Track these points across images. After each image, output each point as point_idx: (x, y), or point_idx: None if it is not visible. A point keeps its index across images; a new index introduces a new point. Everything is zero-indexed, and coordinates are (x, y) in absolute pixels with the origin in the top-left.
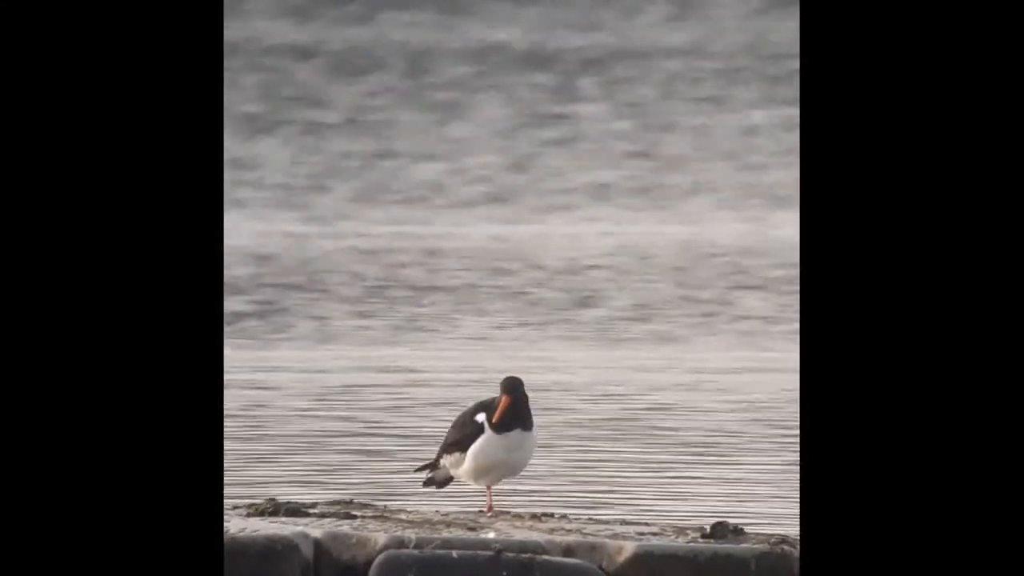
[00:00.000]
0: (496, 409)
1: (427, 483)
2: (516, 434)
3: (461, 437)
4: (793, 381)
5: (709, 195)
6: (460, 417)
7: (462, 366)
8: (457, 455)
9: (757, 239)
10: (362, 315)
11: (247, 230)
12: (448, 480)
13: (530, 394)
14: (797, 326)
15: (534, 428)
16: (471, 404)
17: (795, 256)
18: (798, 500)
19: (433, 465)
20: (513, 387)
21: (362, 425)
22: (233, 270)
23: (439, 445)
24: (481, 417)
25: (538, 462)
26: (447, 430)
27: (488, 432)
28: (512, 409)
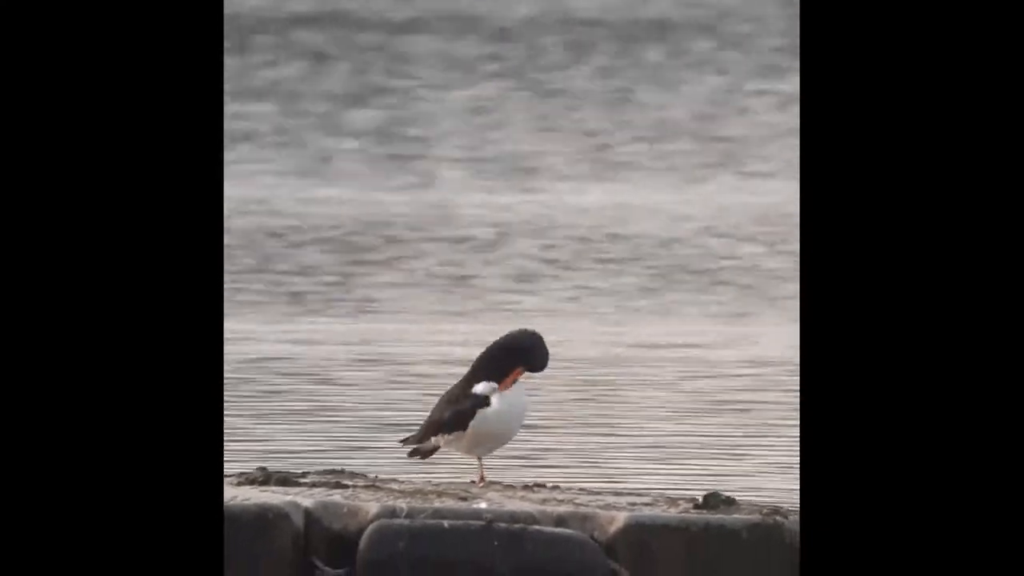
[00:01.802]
0: (504, 381)
1: (412, 454)
2: (519, 389)
3: (458, 413)
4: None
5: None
6: (451, 392)
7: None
8: (457, 433)
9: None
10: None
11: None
12: (434, 450)
13: None
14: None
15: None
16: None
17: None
18: (791, 470)
19: (420, 440)
20: (532, 357)
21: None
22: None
23: (427, 422)
24: (482, 389)
25: (530, 434)
26: (434, 407)
27: (500, 398)
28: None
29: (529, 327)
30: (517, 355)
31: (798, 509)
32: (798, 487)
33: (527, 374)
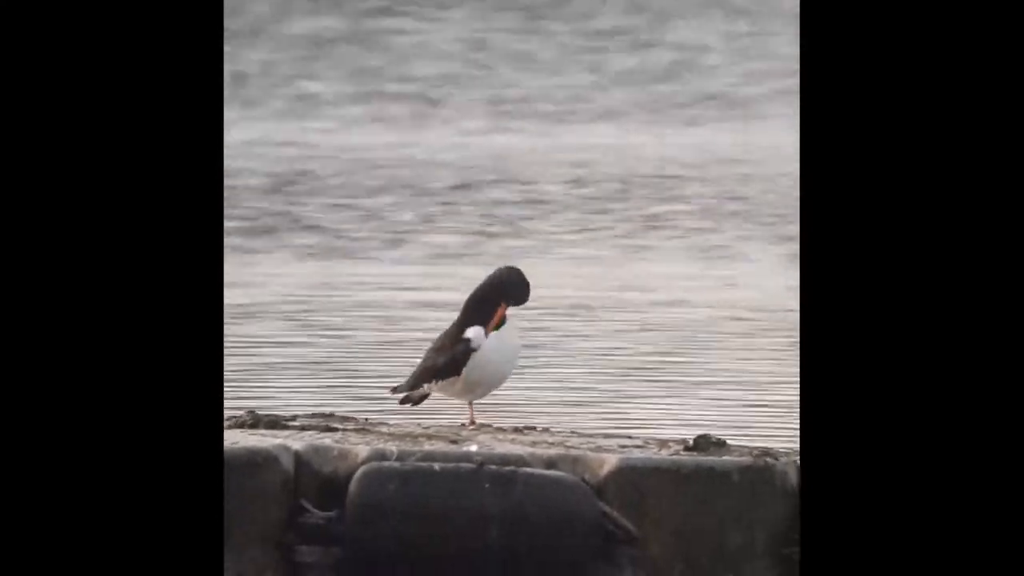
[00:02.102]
0: (491, 322)
1: (403, 401)
2: (510, 330)
3: (450, 359)
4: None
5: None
6: (440, 339)
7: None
8: (451, 378)
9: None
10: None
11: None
12: (424, 397)
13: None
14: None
15: None
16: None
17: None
18: (784, 412)
19: (412, 388)
20: (513, 291)
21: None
22: None
23: (418, 369)
24: (472, 333)
25: (522, 378)
26: (424, 355)
27: (491, 340)
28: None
29: (508, 264)
30: (498, 292)
31: (790, 451)
32: (797, 428)
33: (513, 311)
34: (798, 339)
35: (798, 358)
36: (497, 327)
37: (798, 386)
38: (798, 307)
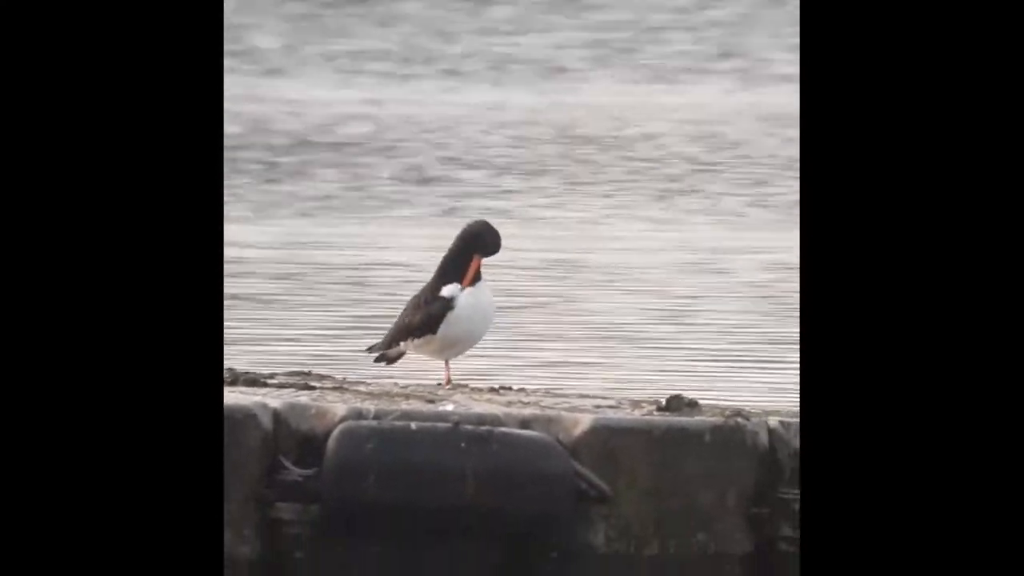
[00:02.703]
0: (465, 275)
1: (379, 360)
2: (484, 287)
3: (427, 317)
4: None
5: None
6: (416, 297)
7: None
8: (427, 337)
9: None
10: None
11: None
12: (400, 355)
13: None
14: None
15: None
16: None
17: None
18: (762, 371)
19: (388, 346)
20: (484, 242)
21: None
22: None
23: (394, 328)
24: (448, 291)
25: (496, 336)
26: (401, 312)
27: (466, 296)
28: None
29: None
30: (470, 246)
31: (761, 411)
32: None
33: (487, 265)
34: (799, 300)
35: (798, 319)
36: (473, 281)
37: (797, 347)
38: (798, 265)
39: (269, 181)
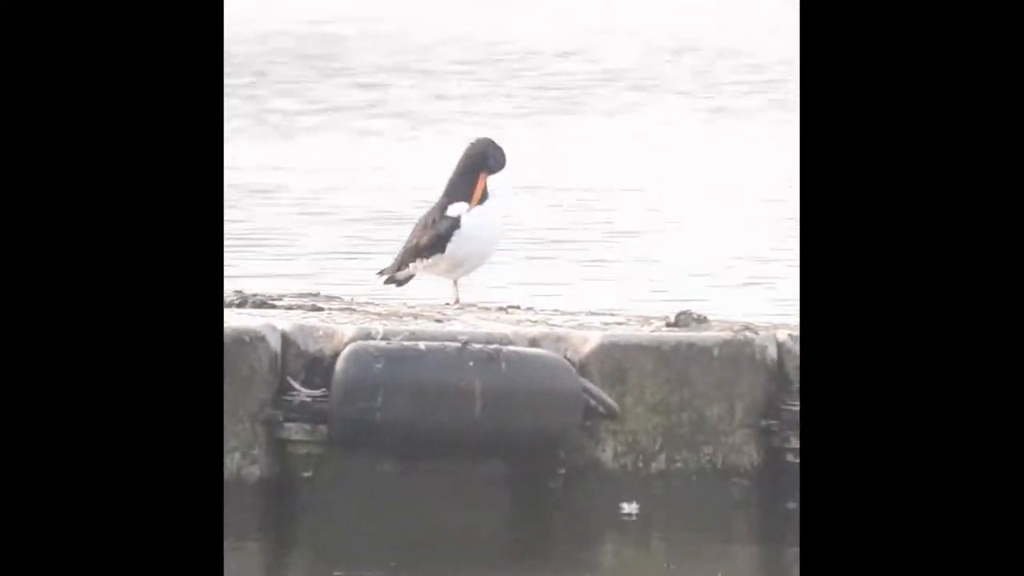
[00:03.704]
0: (472, 193)
1: (388, 282)
2: (493, 204)
3: (435, 237)
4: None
5: None
6: (424, 217)
7: None
8: (435, 256)
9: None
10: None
11: None
12: (410, 278)
13: None
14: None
15: None
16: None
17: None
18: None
19: (397, 268)
20: (489, 160)
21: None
22: None
23: (403, 250)
24: (455, 210)
25: (504, 255)
26: (410, 233)
27: (473, 214)
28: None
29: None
30: (476, 164)
31: (771, 325)
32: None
33: (494, 182)
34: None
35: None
36: (480, 200)
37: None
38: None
39: None
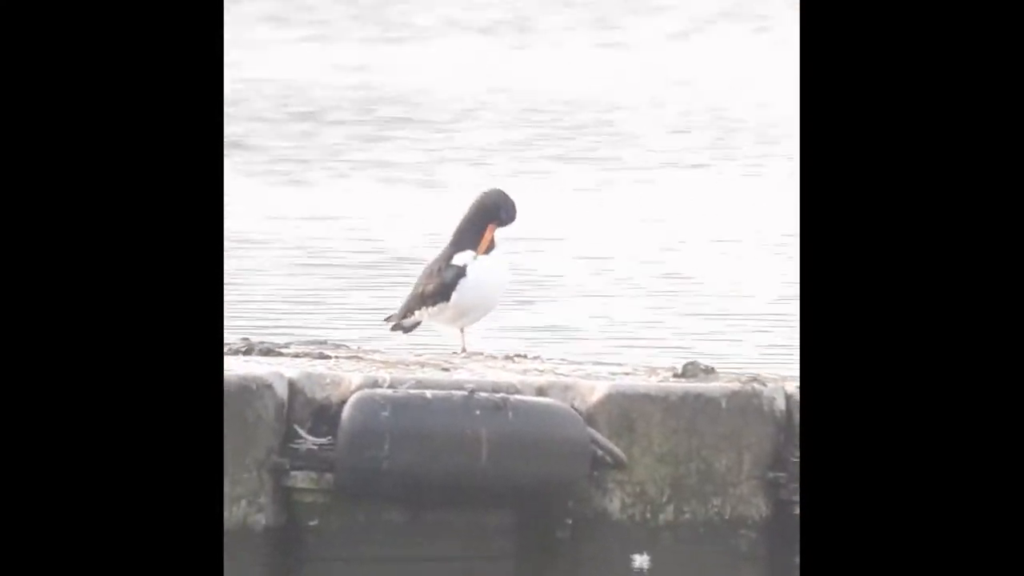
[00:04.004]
0: (480, 242)
1: (395, 329)
2: (499, 256)
3: (441, 285)
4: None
5: None
6: (431, 265)
7: None
8: (440, 305)
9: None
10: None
11: None
12: (416, 324)
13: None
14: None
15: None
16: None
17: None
18: (775, 338)
19: (403, 316)
20: (499, 211)
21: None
22: None
23: (409, 297)
24: (461, 259)
25: (509, 304)
26: (416, 281)
27: (479, 264)
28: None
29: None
30: (486, 214)
31: (779, 377)
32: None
33: (503, 235)
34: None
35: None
36: (488, 250)
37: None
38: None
39: None
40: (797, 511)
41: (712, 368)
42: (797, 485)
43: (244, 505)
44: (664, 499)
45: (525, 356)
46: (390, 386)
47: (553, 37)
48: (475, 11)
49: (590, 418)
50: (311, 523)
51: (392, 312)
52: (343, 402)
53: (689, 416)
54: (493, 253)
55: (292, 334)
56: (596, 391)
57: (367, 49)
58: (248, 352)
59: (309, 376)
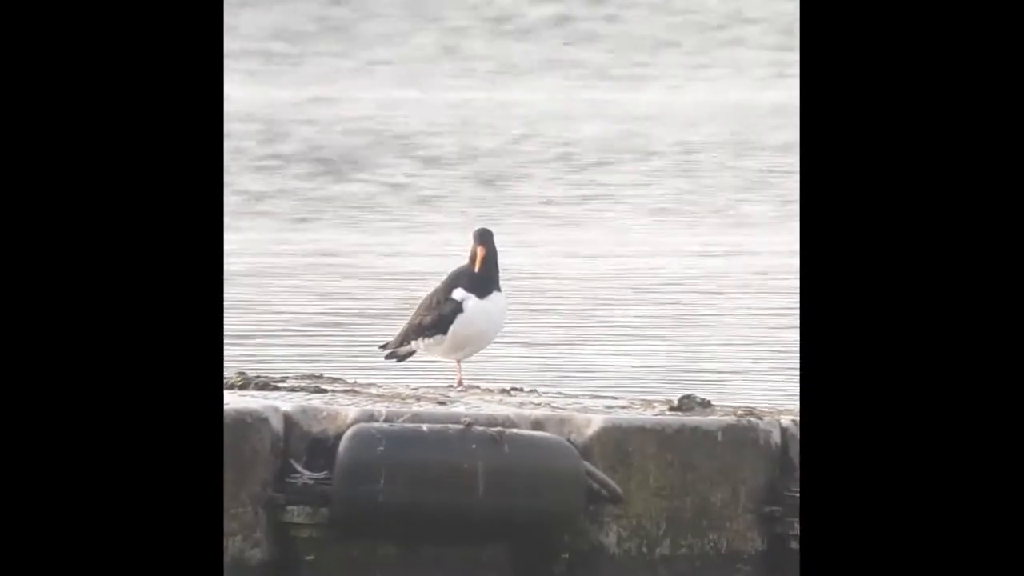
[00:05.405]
0: (473, 262)
1: (389, 356)
2: (497, 296)
3: (438, 318)
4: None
5: None
6: (429, 298)
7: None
8: (437, 337)
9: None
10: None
11: None
12: (410, 354)
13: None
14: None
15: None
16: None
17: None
18: (775, 376)
19: (399, 344)
20: (486, 238)
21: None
22: None
23: (406, 327)
24: (459, 294)
25: (508, 336)
26: (413, 312)
27: (473, 302)
28: (490, 260)
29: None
30: (475, 242)
31: (774, 410)
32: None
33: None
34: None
35: (798, 325)
36: (483, 265)
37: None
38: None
39: None
40: (793, 545)
41: (708, 401)
42: (792, 519)
43: (240, 540)
44: (660, 533)
45: (521, 389)
46: (386, 420)
47: None
48: None
49: (586, 451)
50: (307, 557)
51: (388, 339)
52: (339, 436)
53: (685, 449)
54: (495, 294)
55: (287, 369)
56: (592, 424)
57: None
58: (244, 386)
59: (305, 410)
